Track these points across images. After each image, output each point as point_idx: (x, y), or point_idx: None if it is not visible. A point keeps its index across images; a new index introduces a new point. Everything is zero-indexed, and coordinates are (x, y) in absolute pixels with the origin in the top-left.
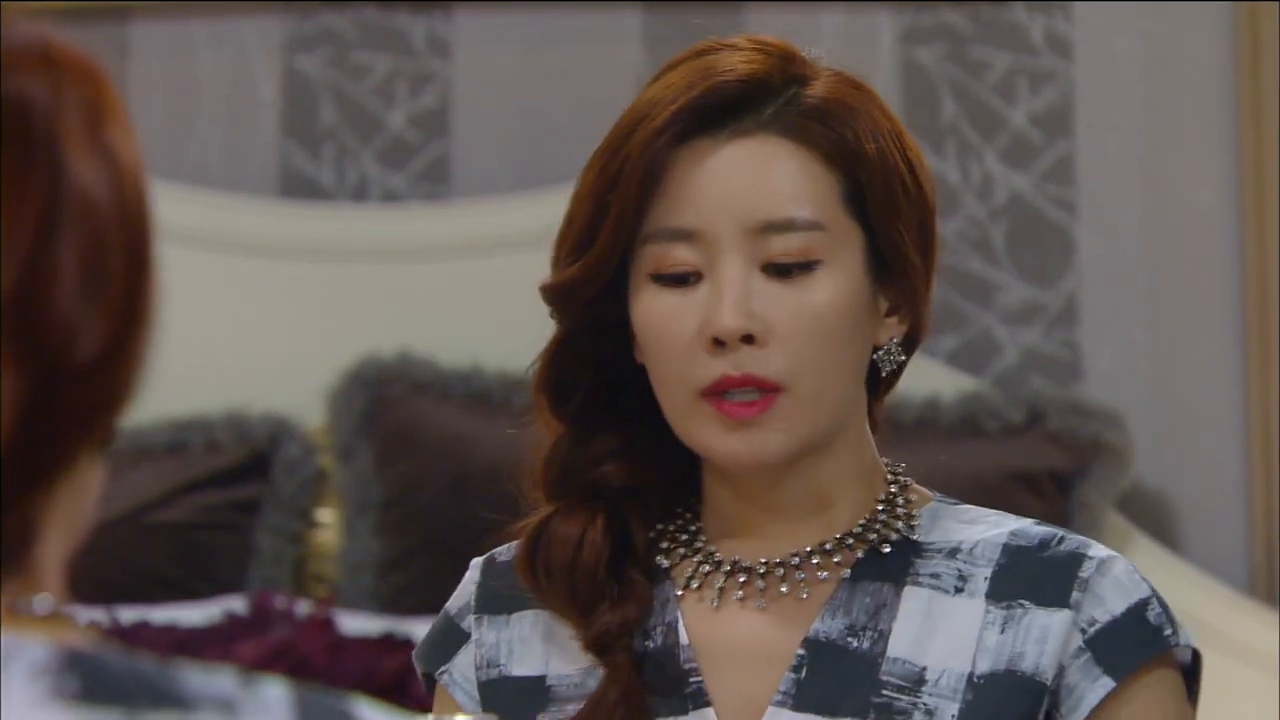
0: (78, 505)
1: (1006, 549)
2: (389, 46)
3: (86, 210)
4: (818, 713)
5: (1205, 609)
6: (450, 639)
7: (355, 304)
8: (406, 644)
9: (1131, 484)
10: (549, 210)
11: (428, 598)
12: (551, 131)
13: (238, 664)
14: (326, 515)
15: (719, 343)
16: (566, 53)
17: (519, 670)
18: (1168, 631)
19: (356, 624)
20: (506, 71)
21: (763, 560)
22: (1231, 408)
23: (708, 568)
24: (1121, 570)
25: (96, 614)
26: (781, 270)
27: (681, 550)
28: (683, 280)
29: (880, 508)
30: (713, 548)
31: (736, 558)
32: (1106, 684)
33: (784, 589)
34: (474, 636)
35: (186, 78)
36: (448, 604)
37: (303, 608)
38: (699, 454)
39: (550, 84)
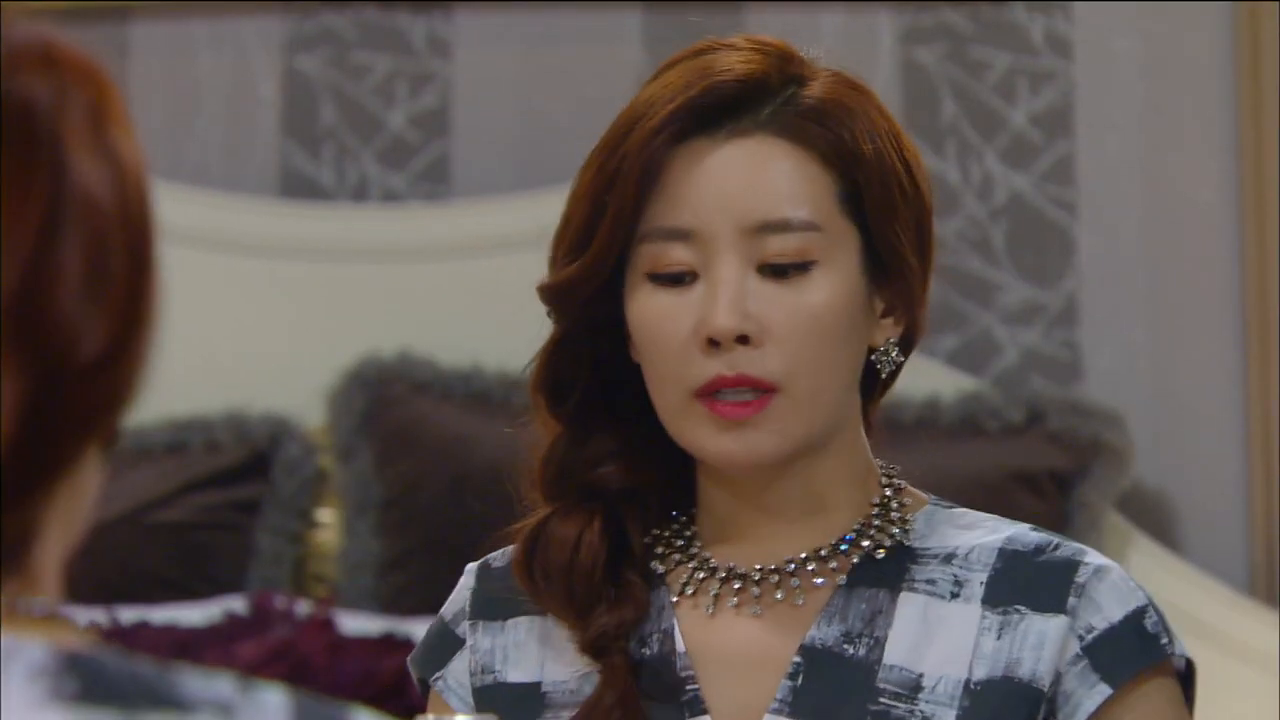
0: (77, 506)
1: (1002, 554)
2: (389, 46)
3: (89, 210)
4: None
5: (1205, 609)
6: (445, 645)
7: (355, 304)
8: (406, 644)
9: (1131, 484)
10: (549, 210)
11: (428, 598)
12: (551, 131)
13: (238, 664)
14: (326, 515)
15: (714, 343)
16: (566, 53)
17: (514, 676)
18: (1164, 640)
19: (356, 624)
20: (506, 71)
21: (757, 567)
22: (1231, 408)
23: (702, 574)
24: (1118, 577)
25: (96, 614)
26: (777, 271)
27: (676, 556)
28: (679, 280)
29: (875, 511)
30: (707, 553)
31: (731, 564)
32: (1103, 691)
33: (779, 595)
34: (469, 642)
35: (186, 78)
36: (442, 610)
37: (303, 608)
38: (692, 454)
39: (550, 84)
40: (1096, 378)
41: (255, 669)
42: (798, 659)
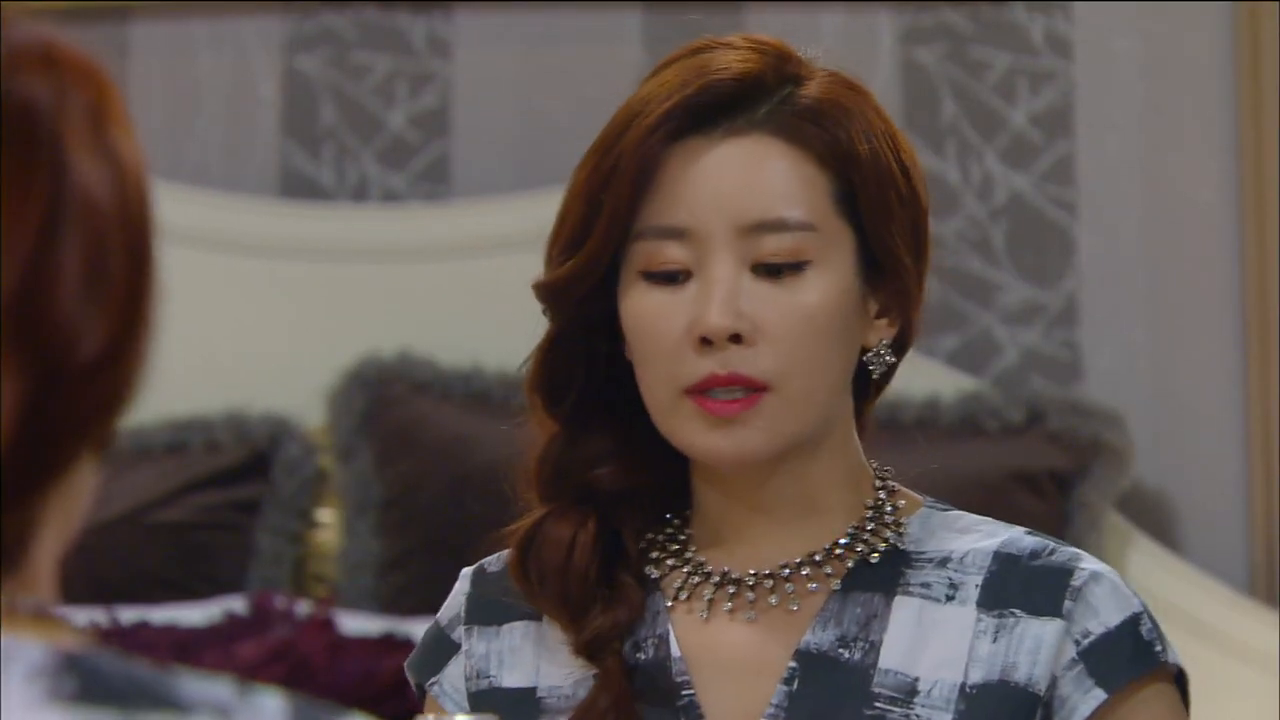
0: (73, 506)
1: (997, 556)
2: (389, 46)
3: (89, 211)
4: None
5: (1205, 609)
6: (440, 650)
7: (355, 304)
8: (406, 644)
9: (1131, 484)
10: (549, 210)
11: (428, 598)
12: (551, 131)
13: (238, 664)
14: (326, 515)
15: (707, 341)
16: (566, 53)
17: (509, 681)
18: (1158, 648)
19: (356, 624)
20: (506, 71)
21: (751, 571)
22: (1231, 408)
23: (697, 579)
24: (1115, 583)
25: (96, 614)
26: (771, 270)
27: (671, 561)
28: (673, 278)
29: (869, 514)
30: (702, 558)
31: (726, 568)
32: (1098, 696)
33: (773, 600)
34: (464, 647)
35: (186, 78)
36: (438, 614)
37: (303, 608)
38: (684, 451)
39: (550, 84)
40: (1096, 378)
41: (255, 669)
42: (793, 664)
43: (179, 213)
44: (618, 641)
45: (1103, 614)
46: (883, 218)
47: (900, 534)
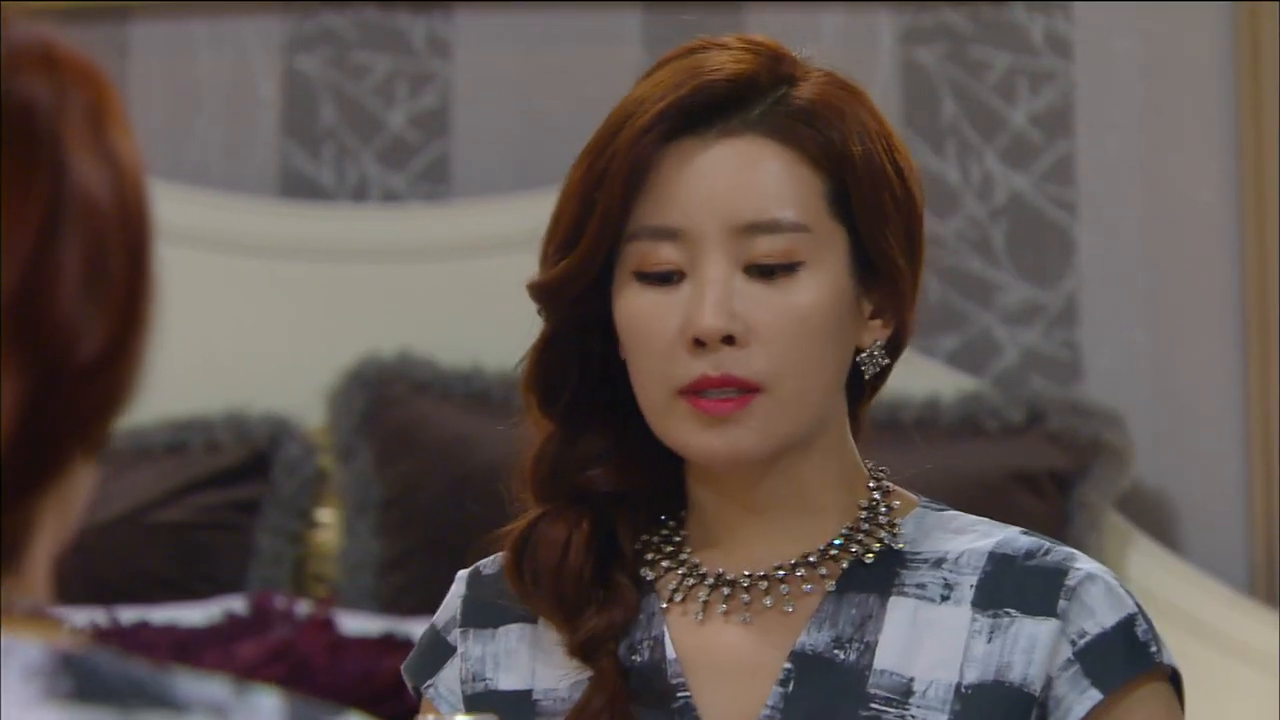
0: (69, 507)
1: (992, 556)
2: (389, 46)
3: (89, 211)
4: None
5: (1205, 609)
6: (436, 653)
7: (355, 304)
8: (406, 644)
9: (1131, 484)
10: (549, 210)
11: (428, 598)
12: (551, 131)
13: (238, 664)
14: (326, 515)
15: (699, 343)
16: (566, 53)
17: (505, 684)
18: (1154, 649)
19: (356, 624)
20: (506, 71)
21: (746, 573)
22: (1231, 408)
23: (691, 580)
24: (1110, 583)
25: (97, 614)
26: (764, 271)
27: (666, 562)
28: (666, 279)
29: (863, 515)
30: (697, 559)
31: (720, 570)
32: (1094, 696)
33: (768, 602)
34: (460, 650)
35: (186, 78)
36: (434, 617)
37: (303, 608)
38: (677, 452)
39: (550, 84)
40: (1096, 378)
41: (255, 669)
42: (788, 665)
43: (179, 213)
44: (613, 642)
45: (1098, 614)
46: (876, 219)
47: (895, 534)
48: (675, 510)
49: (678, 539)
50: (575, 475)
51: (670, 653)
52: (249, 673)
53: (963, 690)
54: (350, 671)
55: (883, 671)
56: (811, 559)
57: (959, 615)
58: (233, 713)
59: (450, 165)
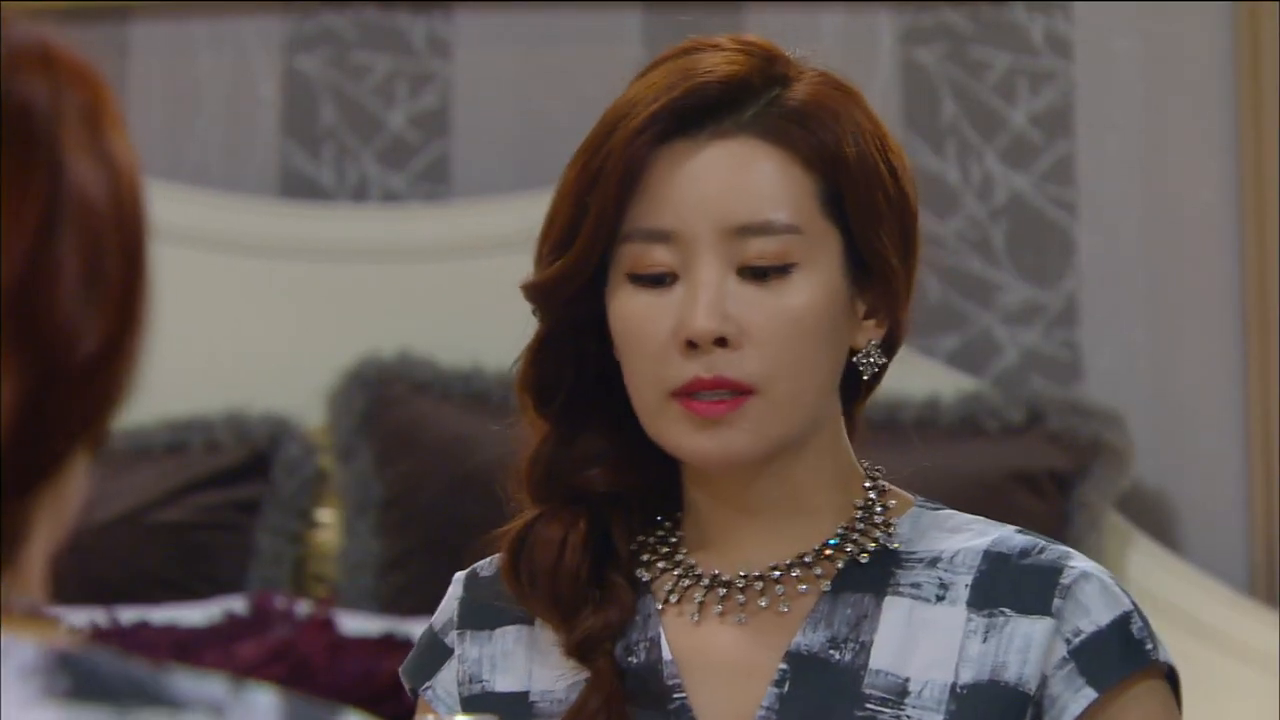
0: (65, 505)
1: (987, 555)
2: (389, 46)
3: (85, 211)
4: None
5: (1205, 609)
6: (434, 655)
7: (355, 304)
8: (406, 644)
9: (1131, 484)
10: None
11: (428, 598)
12: (551, 131)
13: (238, 664)
14: (326, 515)
15: (692, 345)
16: (566, 53)
17: (502, 685)
18: (1149, 646)
19: (356, 624)
20: (506, 71)
21: (741, 574)
22: (1231, 408)
23: (687, 581)
24: (1104, 581)
25: (97, 614)
26: (758, 273)
27: (661, 563)
28: (659, 281)
29: (858, 515)
30: (692, 560)
31: (716, 571)
32: (1089, 694)
33: (763, 603)
34: (457, 652)
35: (186, 78)
36: (432, 619)
37: (303, 608)
38: (671, 453)
39: (550, 84)
40: (1096, 378)
41: (255, 669)
42: (784, 666)
43: (179, 213)
44: (609, 642)
45: (1093, 612)
46: (870, 219)
47: (890, 534)
48: (671, 511)
49: (673, 540)
50: (571, 476)
51: (666, 653)
52: (249, 673)
53: (958, 690)
54: (350, 671)
55: (878, 671)
56: (806, 559)
57: (954, 615)
58: (230, 711)
59: (450, 165)
